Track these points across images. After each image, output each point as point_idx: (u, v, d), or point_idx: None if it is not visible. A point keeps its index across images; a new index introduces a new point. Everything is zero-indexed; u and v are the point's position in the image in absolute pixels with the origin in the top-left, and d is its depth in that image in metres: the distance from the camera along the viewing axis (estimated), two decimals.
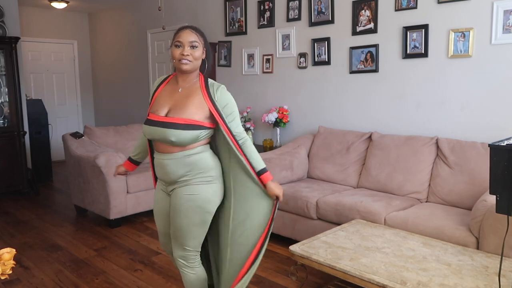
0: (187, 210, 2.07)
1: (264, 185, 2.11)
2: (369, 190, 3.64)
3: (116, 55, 7.56)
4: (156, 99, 2.13)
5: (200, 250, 2.19)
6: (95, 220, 4.45)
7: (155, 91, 2.18)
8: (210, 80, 2.12)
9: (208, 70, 2.15)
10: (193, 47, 2.02)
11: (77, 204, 4.64)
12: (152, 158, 2.25)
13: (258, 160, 2.11)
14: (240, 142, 2.09)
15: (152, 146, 2.24)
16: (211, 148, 2.17)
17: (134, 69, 7.17)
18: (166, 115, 2.05)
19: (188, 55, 2.00)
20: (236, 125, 2.09)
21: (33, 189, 5.55)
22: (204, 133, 2.05)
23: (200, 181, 2.07)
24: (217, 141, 2.18)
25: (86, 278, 3.13)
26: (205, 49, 2.09)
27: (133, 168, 2.42)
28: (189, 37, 2.02)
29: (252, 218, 2.15)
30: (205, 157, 2.08)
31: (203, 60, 2.10)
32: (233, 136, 2.07)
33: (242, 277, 2.13)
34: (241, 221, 2.16)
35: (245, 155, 2.08)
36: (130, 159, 2.41)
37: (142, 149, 2.35)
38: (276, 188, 2.10)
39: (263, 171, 2.10)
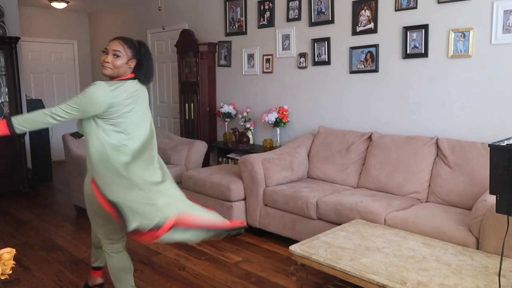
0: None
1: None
2: (369, 190, 3.64)
3: None
4: None
5: (113, 239, 2.38)
6: None
7: None
8: (112, 81, 2.22)
9: (148, 79, 2.32)
10: (115, 55, 2.21)
11: (77, 204, 4.64)
12: None
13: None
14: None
15: None
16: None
17: None
18: None
19: (108, 62, 2.20)
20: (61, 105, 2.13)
21: (33, 189, 5.55)
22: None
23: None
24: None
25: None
26: (134, 60, 2.26)
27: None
28: (114, 46, 2.22)
29: None
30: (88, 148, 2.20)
31: (136, 68, 2.27)
32: None
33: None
34: None
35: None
36: None
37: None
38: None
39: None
